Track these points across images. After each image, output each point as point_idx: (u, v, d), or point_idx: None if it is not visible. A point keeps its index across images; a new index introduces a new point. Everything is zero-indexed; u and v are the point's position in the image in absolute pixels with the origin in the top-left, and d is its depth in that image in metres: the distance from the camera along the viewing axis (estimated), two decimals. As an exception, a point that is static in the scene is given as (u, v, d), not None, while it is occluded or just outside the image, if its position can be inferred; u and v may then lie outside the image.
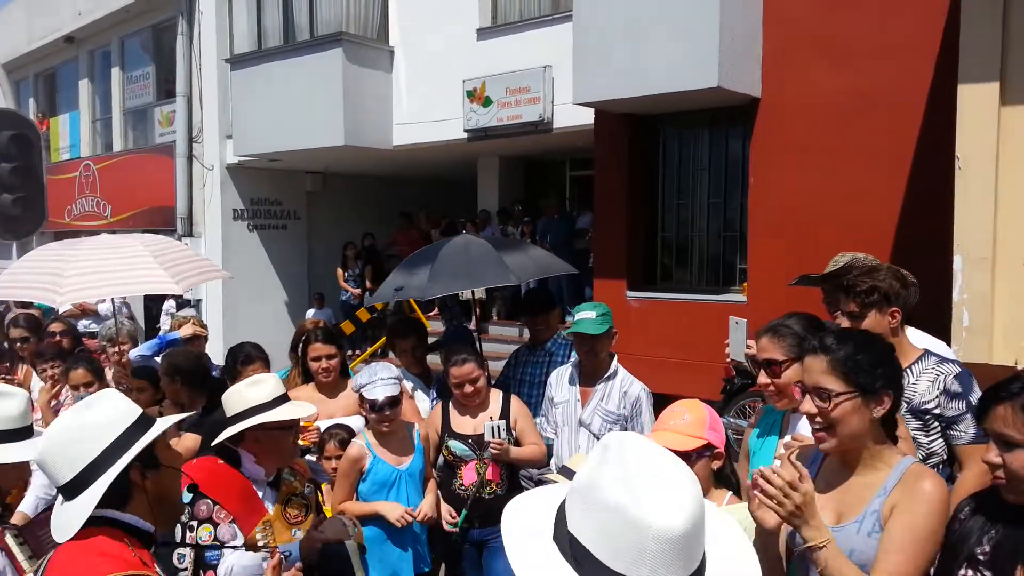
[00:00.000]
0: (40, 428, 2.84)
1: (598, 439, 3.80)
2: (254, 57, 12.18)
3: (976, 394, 2.68)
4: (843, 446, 2.03)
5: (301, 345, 4.25)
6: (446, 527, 3.71)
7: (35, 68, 18.12)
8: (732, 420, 6.97)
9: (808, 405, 2.04)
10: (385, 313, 11.61)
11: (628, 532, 1.06)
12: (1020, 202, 4.46)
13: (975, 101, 4.54)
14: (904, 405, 2.57)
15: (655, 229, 8.83)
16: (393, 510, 3.50)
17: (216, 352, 7.21)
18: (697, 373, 7.62)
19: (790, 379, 2.49)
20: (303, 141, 11.46)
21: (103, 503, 1.72)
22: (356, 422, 3.95)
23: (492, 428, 3.61)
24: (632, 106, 8.15)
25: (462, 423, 3.79)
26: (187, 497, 2.43)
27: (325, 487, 3.73)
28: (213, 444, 2.83)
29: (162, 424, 1.88)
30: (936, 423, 2.69)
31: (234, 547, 2.66)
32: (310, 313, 12.71)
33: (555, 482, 2.20)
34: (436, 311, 12.38)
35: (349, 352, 11.39)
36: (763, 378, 2.58)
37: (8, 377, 4.63)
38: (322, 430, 3.93)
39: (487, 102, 10.41)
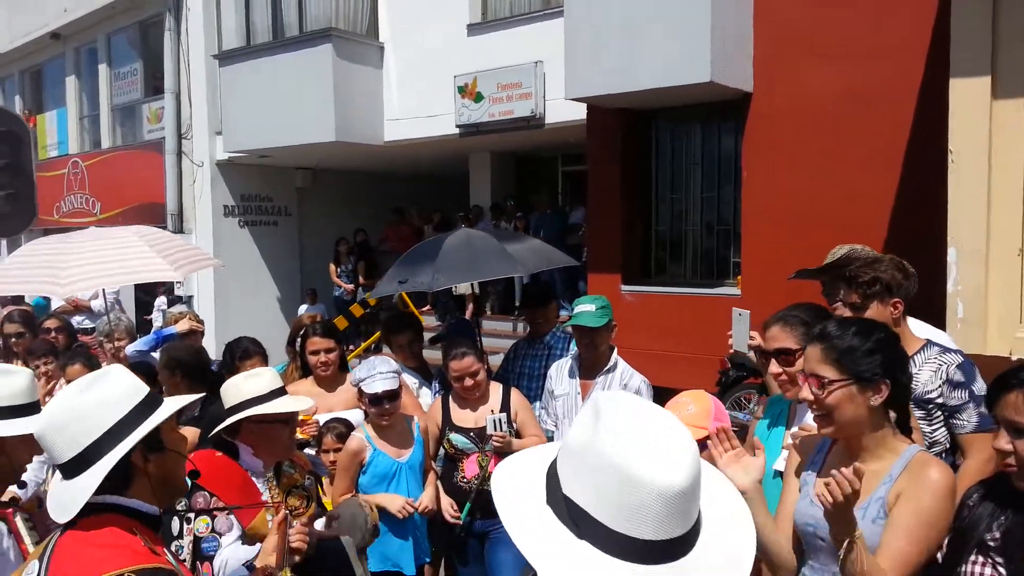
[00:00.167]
0: None
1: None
2: (243, 53, 12.10)
3: (978, 383, 2.69)
4: (842, 433, 2.05)
5: (300, 339, 4.24)
6: (448, 519, 3.71)
7: (20, 65, 17.95)
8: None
9: (805, 392, 2.06)
10: (378, 309, 11.58)
11: (629, 491, 1.05)
12: (1013, 194, 4.50)
13: (967, 95, 4.57)
14: None
15: (649, 223, 8.84)
16: (394, 501, 3.50)
17: (208, 349, 7.17)
18: (692, 366, 7.64)
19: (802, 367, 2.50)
20: (293, 137, 11.41)
21: (103, 487, 1.65)
22: (355, 416, 3.95)
23: (494, 421, 3.61)
24: (625, 101, 8.15)
25: (463, 416, 3.79)
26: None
27: (324, 481, 3.73)
28: (209, 436, 2.84)
29: (171, 405, 1.81)
30: (939, 412, 2.70)
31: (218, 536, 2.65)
32: (303, 309, 12.67)
33: None
34: (429, 306, 12.37)
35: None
36: (775, 367, 2.58)
37: None
38: (321, 424, 3.92)
39: (479, 98, 10.39)
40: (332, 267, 13.53)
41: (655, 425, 1.12)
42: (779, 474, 2.45)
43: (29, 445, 2.24)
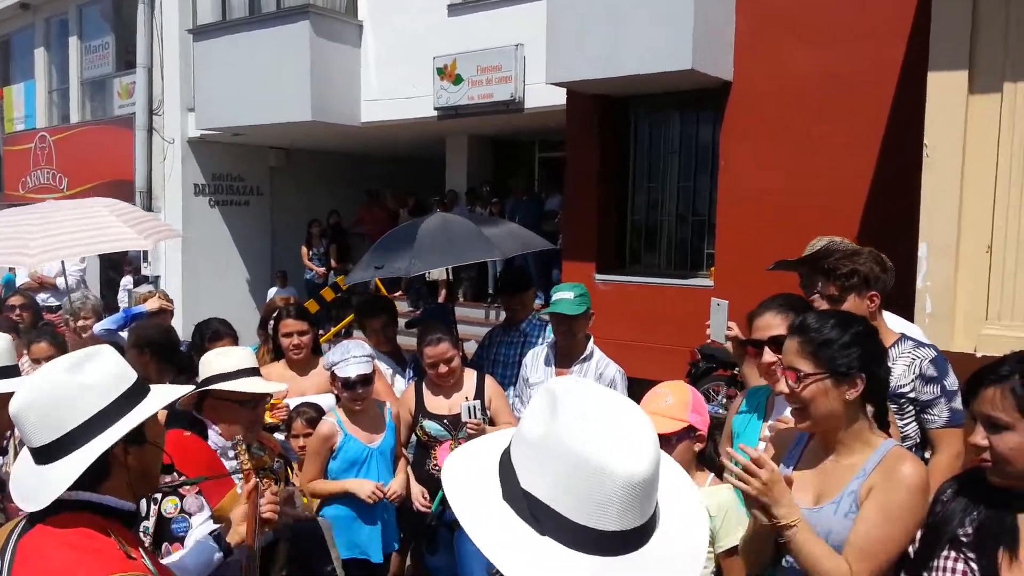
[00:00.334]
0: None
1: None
2: (218, 28, 11.88)
3: (950, 378, 2.71)
4: (818, 427, 2.04)
5: (272, 322, 4.17)
6: (419, 508, 3.68)
7: (-13, 35, 17.53)
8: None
9: (782, 385, 2.06)
10: (350, 293, 11.49)
11: (591, 481, 1.02)
12: (985, 191, 4.52)
13: (944, 89, 4.58)
14: None
15: (625, 212, 8.84)
16: (363, 487, 3.46)
17: (175, 329, 7.06)
18: (663, 356, 7.67)
19: None
20: (268, 115, 11.24)
21: (78, 481, 1.53)
22: (327, 400, 3.90)
23: (468, 408, 3.58)
24: (605, 87, 8.12)
25: (436, 403, 3.75)
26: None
27: (294, 466, 3.68)
28: (176, 407, 2.80)
29: (160, 398, 1.71)
30: (910, 407, 2.71)
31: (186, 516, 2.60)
32: (273, 291, 12.54)
33: None
34: (401, 292, 12.29)
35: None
36: (769, 356, 2.56)
37: None
38: (291, 408, 3.87)
39: (458, 80, 10.30)
40: (304, 249, 13.38)
41: (615, 412, 1.09)
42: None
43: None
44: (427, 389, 3.81)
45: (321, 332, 12.26)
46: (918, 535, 1.88)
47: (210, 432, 2.80)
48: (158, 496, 2.55)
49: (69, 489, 1.54)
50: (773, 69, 7.38)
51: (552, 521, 1.05)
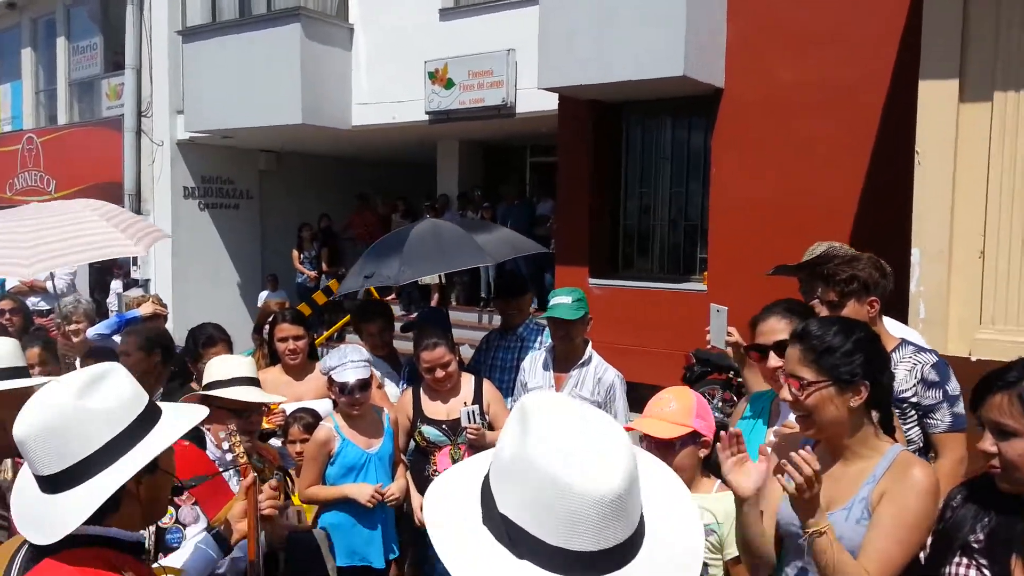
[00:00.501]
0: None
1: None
2: (208, 30, 11.83)
3: (952, 383, 2.72)
4: (823, 434, 2.04)
5: (268, 326, 4.15)
6: (420, 521, 3.65)
7: (-28, 34, 17.36)
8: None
9: (785, 393, 2.06)
10: (343, 297, 11.45)
11: (563, 502, 1.00)
12: (976, 197, 4.57)
13: (935, 98, 4.63)
14: None
15: (617, 217, 8.85)
16: (361, 491, 3.43)
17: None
18: (657, 360, 7.68)
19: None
20: (258, 118, 11.19)
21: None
22: (323, 405, 3.87)
23: (468, 413, 3.56)
24: (597, 93, 8.14)
25: (434, 408, 3.73)
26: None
27: (292, 476, 3.65)
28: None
29: (178, 424, 1.60)
30: (913, 411, 2.72)
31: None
32: (264, 295, 12.47)
33: None
34: (394, 296, 12.26)
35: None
36: (775, 360, 2.56)
37: None
38: (287, 414, 3.85)
39: (449, 84, 10.29)
40: (295, 253, 13.33)
41: (584, 429, 1.06)
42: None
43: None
44: (425, 394, 3.79)
45: (314, 336, 12.24)
46: (928, 541, 1.88)
47: (208, 442, 2.78)
48: None
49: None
50: (764, 76, 7.42)
51: (528, 544, 1.03)
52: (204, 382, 2.79)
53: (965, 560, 1.76)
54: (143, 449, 1.50)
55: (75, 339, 4.65)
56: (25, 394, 2.19)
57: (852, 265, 2.86)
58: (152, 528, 2.52)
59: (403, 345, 5.06)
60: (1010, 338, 4.43)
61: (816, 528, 1.83)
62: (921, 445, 2.74)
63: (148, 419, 1.56)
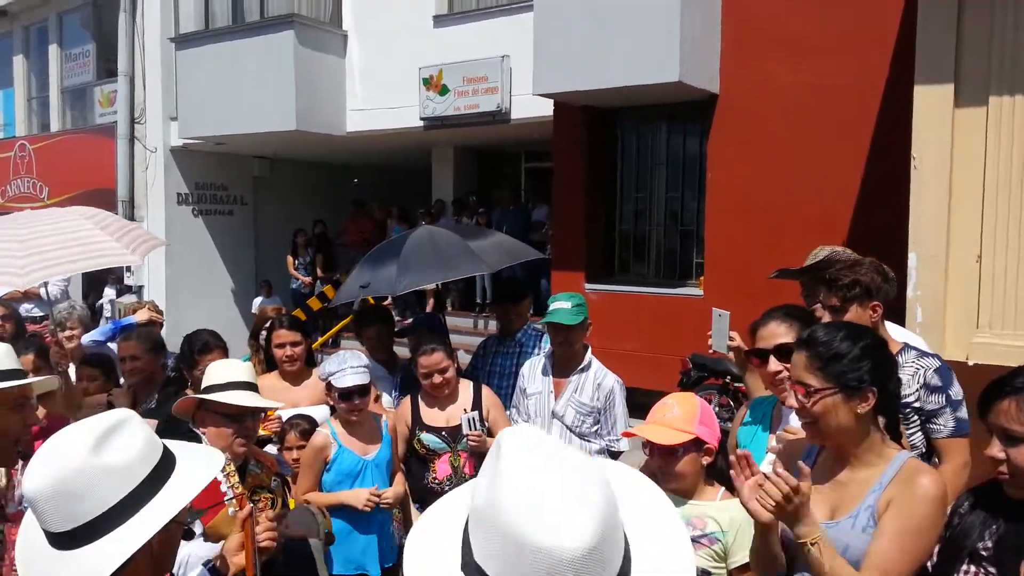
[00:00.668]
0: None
1: (571, 431, 3.77)
2: (201, 37, 11.81)
3: (955, 388, 2.71)
4: (830, 441, 2.02)
5: (265, 332, 4.12)
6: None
7: (-37, 41, 17.30)
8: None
9: (792, 400, 2.03)
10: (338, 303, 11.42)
11: (531, 558, 0.94)
12: (972, 201, 4.57)
13: (930, 102, 4.63)
14: None
15: (613, 222, 8.85)
16: (358, 496, 3.39)
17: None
18: (654, 366, 7.67)
19: None
20: (252, 125, 11.17)
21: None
22: (320, 412, 3.85)
23: (468, 420, 3.54)
24: (592, 98, 8.14)
25: (433, 415, 3.71)
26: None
27: (290, 481, 3.62)
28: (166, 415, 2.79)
29: (197, 475, 1.51)
30: (915, 416, 2.71)
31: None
32: (258, 301, 12.43)
33: None
34: (389, 300, 12.23)
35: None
36: (775, 365, 2.54)
37: None
38: (283, 420, 3.82)
39: (444, 90, 10.29)
40: (289, 259, 13.29)
41: (553, 478, 1.00)
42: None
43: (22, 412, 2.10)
44: (423, 402, 3.76)
45: (311, 342, 12.19)
46: (936, 548, 1.87)
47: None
48: None
49: None
50: (759, 81, 7.43)
51: None
52: (203, 385, 2.77)
53: (973, 568, 1.74)
54: (163, 504, 1.43)
55: (69, 345, 4.61)
56: (23, 394, 2.15)
57: (854, 270, 2.86)
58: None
59: (401, 351, 5.03)
60: (1007, 342, 4.43)
61: (807, 539, 1.81)
62: (924, 450, 2.73)
63: (164, 468, 1.48)
